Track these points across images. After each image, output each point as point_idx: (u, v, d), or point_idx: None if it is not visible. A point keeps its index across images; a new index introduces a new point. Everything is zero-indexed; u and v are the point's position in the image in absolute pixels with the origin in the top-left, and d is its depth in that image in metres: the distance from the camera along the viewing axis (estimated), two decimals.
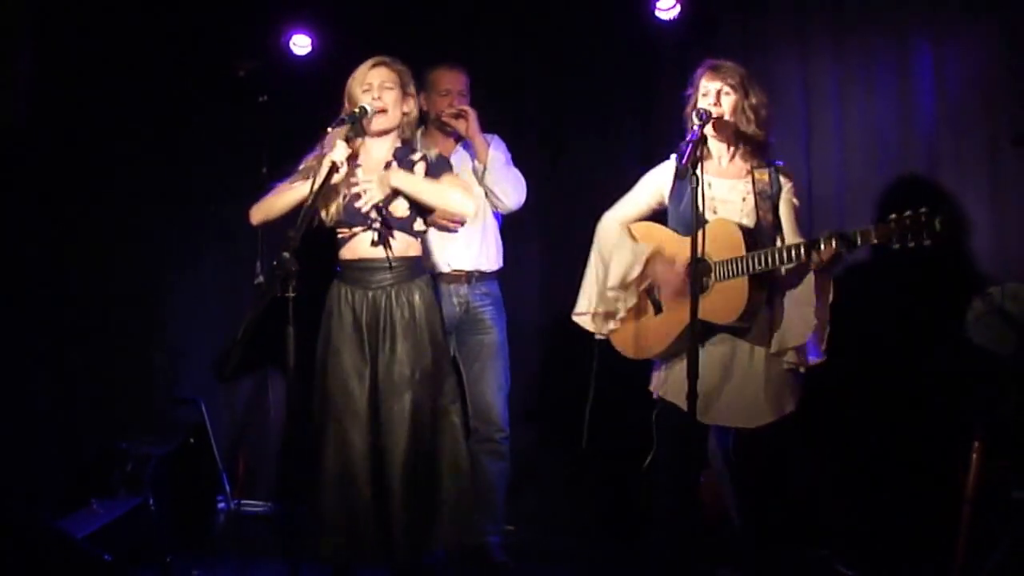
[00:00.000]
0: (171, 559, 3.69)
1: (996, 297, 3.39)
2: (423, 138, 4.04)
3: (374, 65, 3.28)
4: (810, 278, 3.12)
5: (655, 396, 3.37)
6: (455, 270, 3.91)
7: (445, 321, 3.89)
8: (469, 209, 3.33)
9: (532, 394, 4.44)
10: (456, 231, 3.77)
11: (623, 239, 3.38)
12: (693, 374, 2.90)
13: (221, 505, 4.33)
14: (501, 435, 3.98)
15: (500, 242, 4.04)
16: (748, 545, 3.40)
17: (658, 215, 3.44)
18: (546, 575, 4.01)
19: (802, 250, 3.05)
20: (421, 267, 3.35)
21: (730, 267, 3.12)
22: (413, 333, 3.21)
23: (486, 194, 3.90)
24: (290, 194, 3.23)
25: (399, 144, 3.35)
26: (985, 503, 3.35)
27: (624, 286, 3.34)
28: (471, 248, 3.92)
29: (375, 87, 3.25)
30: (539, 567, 4.01)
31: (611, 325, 3.40)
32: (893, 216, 2.92)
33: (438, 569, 3.83)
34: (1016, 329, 3.34)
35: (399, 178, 3.23)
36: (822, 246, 3.01)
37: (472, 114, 3.86)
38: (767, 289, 3.18)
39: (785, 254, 3.07)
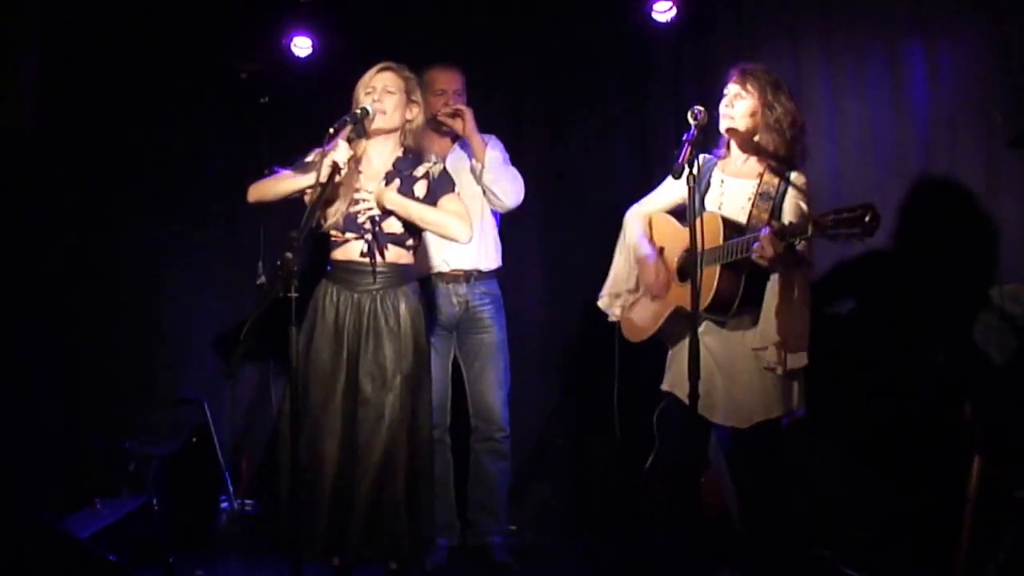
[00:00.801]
0: (174, 559, 3.69)
1: (995, 298, 3.38)
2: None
3: (380, 69, 3.30)
4: (779, 276, 3.14)
5: (663, 388, 3.39)
6: (454, 269, 3.92)
7: (444, 320, 3.92)
8: (464, 237, 3.34)
9: (533, 393, 4.45)
10: None
11: (638, 237, 3.45)
12: (694, 373, 2.90)
13: (224, 505, 4.33)
14: (502, 434, 3.98)
15: (499, 241, 4.04)
16: (749, 545, 3.40)
17: (681, 208, 3.45)
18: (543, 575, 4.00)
19: (746, 243, 3.06)
20: (411, 274, 3.35)
21: (707, 256, 3.13)
22: (397, 338, 3.21)
23: (484, 193, 3.92)
24: (289, 182, 3.25)
25: (400, 153, 3.34)
26: (987, 503, 3.35)
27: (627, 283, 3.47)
28: (470, 247, 3.89)
29: (377, 90, 3.26)
30: (541, 568, 4.00)
31: (619, 308, 3.50)
32: (831, 210, 2.92)
33: (439, 569, 3.84)
34: (1016, 330, 3.33)
35: (394, 201, 3.24)
36: (761, 236, 3.01)
37: (468, 113, 3.86)
38: (742, 282, 3.16)
39: (737, 246, 3.09)
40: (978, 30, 3.78)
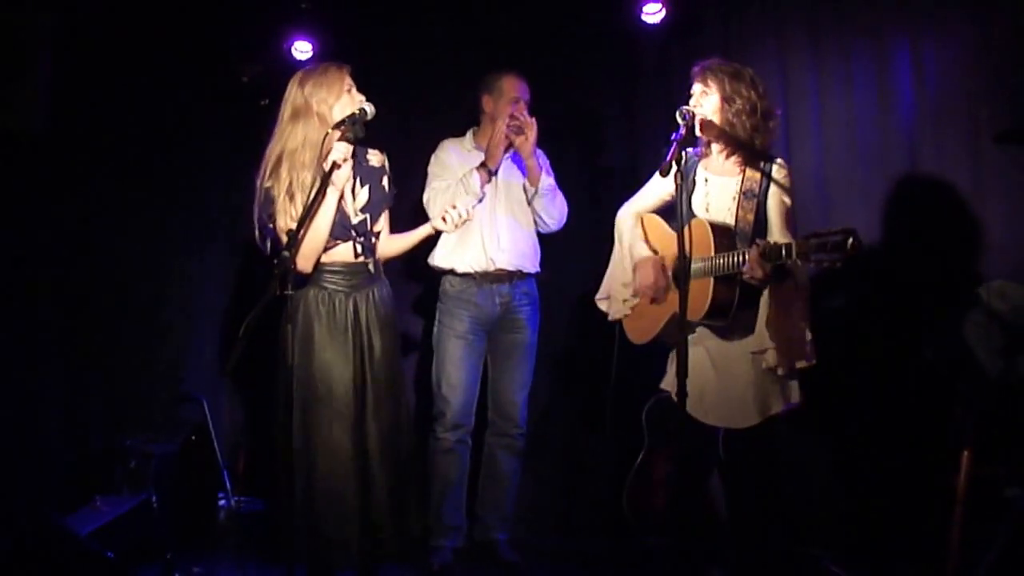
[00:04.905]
0: (172, 556, 3.71)
1: (982, 295, 3.39)
2: (475, 136, 4.06)
3: (346, 69, 3.32)
4: (770, 289, 3.14)
5: (661, 387, 3.40)
6: (499, 269, 3.95)
7: (484, 320, 3.95)
8: None
9: (534, 393, 4.46)
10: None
11: (634, 238, 3.44)
12: (682, 372, 2.90)
13: (222, 503, 4.36)
14: (518, 432, 4.02)
15: (539, 245, 4.07)
16: (738, 544, 3.41)
17: (669, 206, 3.46)
18: (546, 574, 4.00)
19: (739, 258, 3.07)
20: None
21: (698, 267, 3.15)
22: (390, 333, 3.26)
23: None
24: (320, 220, 3.18)
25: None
26: (977, 502, 3.35)
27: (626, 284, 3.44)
28: (516, 248, 3.96)
29: (353, 88, 3.29)
30: (541, 566, 4.02)
31: (623, 310, 3.46)
32: (813, 232, 2.91)
33: (445, 570, 3.85)
34: (1003, 327, 3.34)
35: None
36: (748, 257, 3.02)
37: (534, 133, 3.84)
38: (738, 289, 3.16)
39: (726, 263, 3.10)
40: (963, 27, 3.79)
